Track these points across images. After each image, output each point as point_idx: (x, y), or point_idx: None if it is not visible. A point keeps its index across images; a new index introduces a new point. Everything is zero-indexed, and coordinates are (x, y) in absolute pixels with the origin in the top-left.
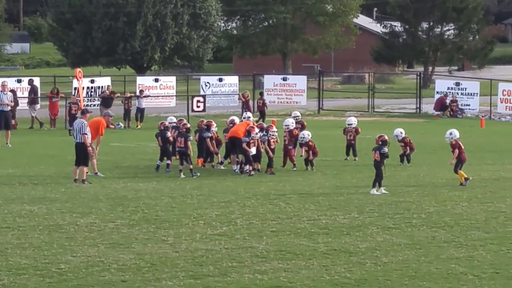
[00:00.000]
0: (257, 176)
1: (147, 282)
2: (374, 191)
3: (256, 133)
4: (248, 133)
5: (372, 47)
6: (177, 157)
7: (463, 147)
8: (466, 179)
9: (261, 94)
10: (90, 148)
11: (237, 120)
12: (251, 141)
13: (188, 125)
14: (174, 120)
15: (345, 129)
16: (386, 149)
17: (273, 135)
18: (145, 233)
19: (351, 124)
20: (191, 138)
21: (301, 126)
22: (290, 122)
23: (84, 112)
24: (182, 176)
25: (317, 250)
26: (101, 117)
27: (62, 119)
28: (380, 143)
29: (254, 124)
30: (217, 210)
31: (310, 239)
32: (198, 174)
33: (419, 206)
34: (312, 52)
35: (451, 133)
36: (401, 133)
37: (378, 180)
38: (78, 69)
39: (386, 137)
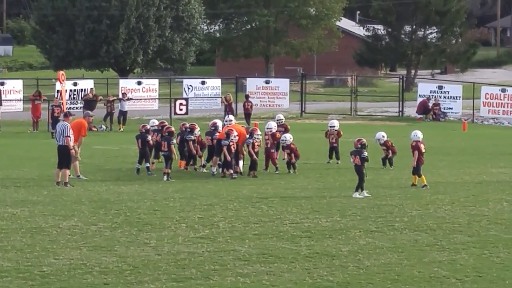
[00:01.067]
0: (239, 179)
1: (130, 285)
2: (356, 194)
3: (235, 136)
4: (227, 135)
5: (355, 50)
6: (159, 160)
7: (424, 150)
8: (413, 184)
9: (247, 97)
10: (73, 151)
11: (219, 123)
12: (231, 143)
13: (172, 129)
14: (156, 123)
15: (327, 132)
16: (366, 153)
17: (257, 138)
18: (127, 236)
19: (334, 127)
20: (175, 141)
21: (285, 129)
22: (273, 125)
23: (67, 115)
24: (165, 179)
25: (300, 253)
26: (81, 119)
27: (44, 121)
28: (359, 146)
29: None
30: (200, 213)
31: (292, 242)
32: (173, 180)
33: (402, 210)
34: (294, 55)
35: (416, 134)
36: (383, 136)
37: (361, 184)
38: (61, 72)
39: (365, 141)
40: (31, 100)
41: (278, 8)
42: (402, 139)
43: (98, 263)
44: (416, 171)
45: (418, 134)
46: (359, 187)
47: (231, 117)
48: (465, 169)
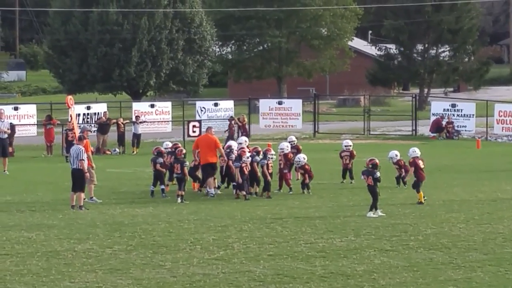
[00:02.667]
0: (253, 200)
1: None
2: (370, 213)
3: (248, 157)
4: (239, 157)
5: (367, 69)
6: (174, 182)
7: (423, 166)
8: (420, 202)
9: (232, 119)
10: (87, 174)
11: (234, 145)
12: (243, 164)
13: (184, 151)
14: (170, 145)
15: (341, 152)
16: (378, 173)
17: (271, 158)
18: (142, 258)
19: (350, 145)
20: (187, 164)
21: (297, 150)
22: (285, 146)
23: (81, 138)
24: (179, 201)
25: (315, 274)
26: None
27: (59, 146)
28: (371, 166)
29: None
30: (214, 235)
31: (307, 263)
32: (187, 202)
33: (416, 228)
34: (307, 75)
35: (414, 151)
36: (396, 155)
37: (375, 204)
38: (69, 97)
39: (377, 161)
40: (43, 125)
41: (289, 29)
42: None
43: (113, 285)
44: (415, 187)
45: (417, 151)
46: (373, 206)
47: (244, 138)
48: (479, 186)
